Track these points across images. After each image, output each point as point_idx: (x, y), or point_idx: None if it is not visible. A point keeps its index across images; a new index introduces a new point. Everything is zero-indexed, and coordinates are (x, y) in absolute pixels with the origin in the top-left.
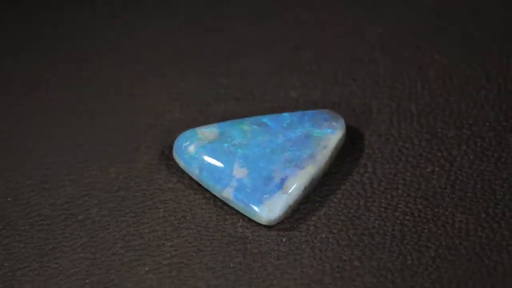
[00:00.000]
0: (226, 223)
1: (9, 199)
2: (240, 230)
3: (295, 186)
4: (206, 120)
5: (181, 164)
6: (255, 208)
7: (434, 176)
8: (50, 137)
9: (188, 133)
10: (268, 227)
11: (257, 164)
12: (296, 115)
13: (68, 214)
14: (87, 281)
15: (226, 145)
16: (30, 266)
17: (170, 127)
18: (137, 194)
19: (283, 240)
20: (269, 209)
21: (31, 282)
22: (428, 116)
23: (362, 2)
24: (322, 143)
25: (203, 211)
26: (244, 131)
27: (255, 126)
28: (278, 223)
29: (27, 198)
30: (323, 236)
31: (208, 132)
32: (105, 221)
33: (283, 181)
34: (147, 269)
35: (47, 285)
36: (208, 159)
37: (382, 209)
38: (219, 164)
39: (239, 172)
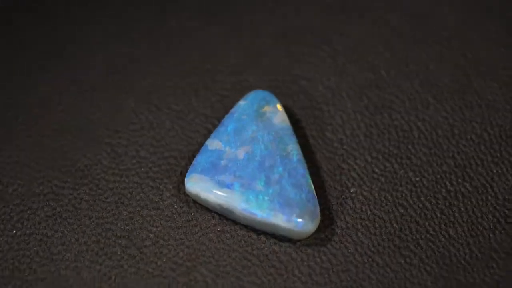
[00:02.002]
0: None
1: None
2: (170, 188)
3: (217, 194)
4: None
5: (240, 100)
6: (186, 176)
7: None
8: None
9: (273, 99)
10: (191, 200)
11: (250, 163)
12: (305, 179)
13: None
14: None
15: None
16: None
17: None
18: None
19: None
20: (189, 185)
21: None
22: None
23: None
24: (273, 221)
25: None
26: (283, 133)
27: (290, 146)
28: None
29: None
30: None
31: (278, 111)
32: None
33: (226, 185)
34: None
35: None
36: (253, 122)
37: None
38: (245, 131)
39: (241, 152)
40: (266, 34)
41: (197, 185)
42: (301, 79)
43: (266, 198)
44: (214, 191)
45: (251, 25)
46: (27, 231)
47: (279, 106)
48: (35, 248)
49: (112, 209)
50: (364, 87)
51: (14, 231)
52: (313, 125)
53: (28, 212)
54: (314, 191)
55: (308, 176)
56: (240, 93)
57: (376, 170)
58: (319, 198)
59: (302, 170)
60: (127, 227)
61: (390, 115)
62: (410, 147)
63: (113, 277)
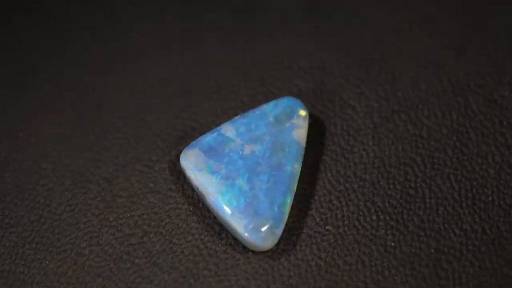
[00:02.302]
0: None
1: None
2: (173, 154)
3: (198, 176)
4: None
5: (271, 101)
6: (185, 149)
7: None
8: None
9: (298, 109)
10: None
11: (244, 160)
12: (283, 197)
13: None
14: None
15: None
16: None
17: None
18: None
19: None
20: (182, 157)
21: None
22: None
23: None
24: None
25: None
26: (291, 149)
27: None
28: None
29: None
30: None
31: (301, 127)
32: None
33: (211, 171)
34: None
35: None
36: (268, 124)
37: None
38: (256, 130)
39: (248, 148)
40: (335, 48)
41: (188, 160)
42: (349, 106)
43: (237, 199)
44: (197, 172)
45: (330, 39)
46: (30, 139)
47: (302, 112)
48: (31, 158)
49: (111, 151)
50: (400, 139)
51: (20, 133)
52: (331, 151)
53: (36, 127)
54: (286, 213)
55: (288, 196)
56: (285, 95)
57: (361, 219)
58: (293, 221)
59: (285, 188)
60: (115, 172)
61: (406, 174)
62: (404, 211)
63: (76, 210)
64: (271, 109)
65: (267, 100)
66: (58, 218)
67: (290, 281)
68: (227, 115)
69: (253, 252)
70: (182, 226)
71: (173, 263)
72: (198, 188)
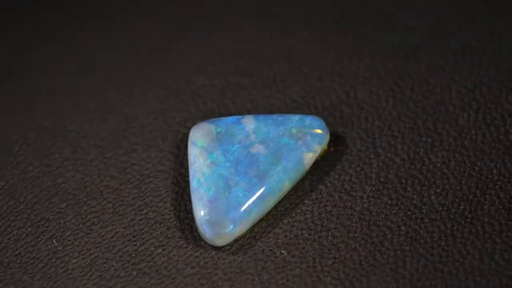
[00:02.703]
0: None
1: None
2: (188, 126)
3: (193, 150)
4: None
5: (299, 114)
6: (200, 122)
7: None
8: None
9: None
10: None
11: (243, 156)
12: (250, 206)
13: None
14: None
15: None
16: None
17: None
18: None
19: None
20: (192, 128)
21: None
22: None
23: None
24: None
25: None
26: (291, 168)
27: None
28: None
29: None
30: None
31: (314, 153)
32: None
33: (207, 151)
34: None
35: None
36: (279, 134)
37: None
38: (268, 133)
39: (256, 148)
40: (397, 98)
41: (196, 133)
42: (374, 152)
43: (210, 187)
44: (196, 146)
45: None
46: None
47: (318, 131)
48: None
49: (147, 97)
50: (398, 204)
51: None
52: (331, 184)
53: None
54: (249, 221)
55: (258, 208)
56: (328, 116)
57: (316, 259)
58: (256, 231)
59: (260, 199)
60: (137, 115)
61: (383, 237)
62: (359, 270)
63: (82, 132)
64: (295, 121)
65: (309, 111)
66: (63, 129)
67: (220, 283)
68: (265, 110)
69: (204, 242)
70: (160, 190)
71: (131, 218)
72: (188, 161)
